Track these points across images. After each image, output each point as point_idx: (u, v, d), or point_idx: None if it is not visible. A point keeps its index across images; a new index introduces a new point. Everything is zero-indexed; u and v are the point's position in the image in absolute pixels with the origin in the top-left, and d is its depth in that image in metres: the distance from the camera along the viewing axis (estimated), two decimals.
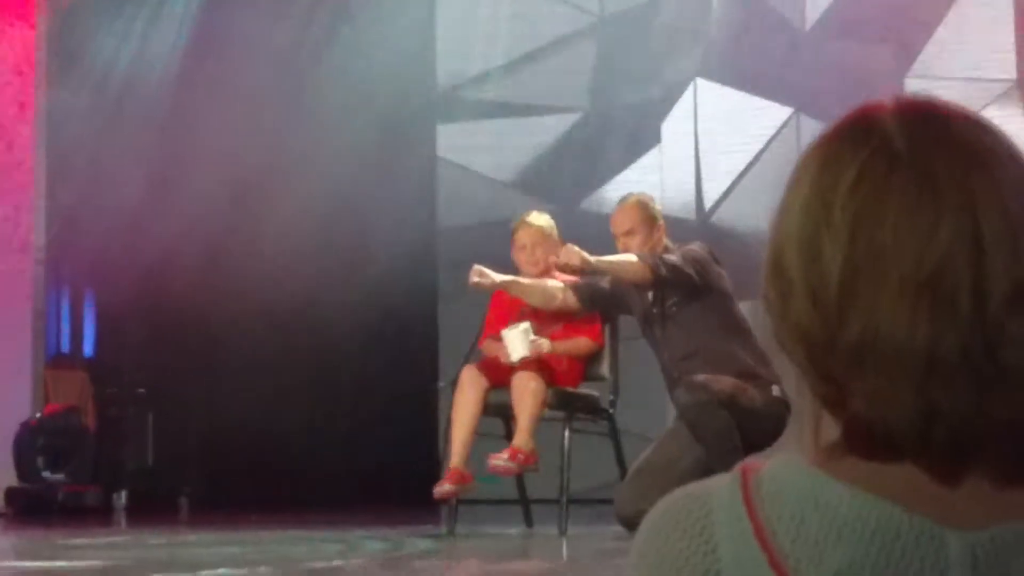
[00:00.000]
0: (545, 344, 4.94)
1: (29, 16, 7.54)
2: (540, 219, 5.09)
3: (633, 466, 4.72)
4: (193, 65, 7.52)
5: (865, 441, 0.74)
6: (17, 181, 7.48)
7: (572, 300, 4.88)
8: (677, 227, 5.35)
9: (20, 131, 7.49)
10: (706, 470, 4.13)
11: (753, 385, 4.53)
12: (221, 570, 3.72)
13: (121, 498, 7.22)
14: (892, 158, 0.75)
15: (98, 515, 6.86)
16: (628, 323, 5.20)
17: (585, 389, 5.15)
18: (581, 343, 5.09)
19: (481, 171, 7.48)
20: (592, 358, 5.14)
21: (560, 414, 4.99)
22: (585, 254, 4.56)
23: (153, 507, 7.03)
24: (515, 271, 5.06)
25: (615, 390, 5.16)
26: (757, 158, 7.05)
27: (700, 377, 4.45)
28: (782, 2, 7.16)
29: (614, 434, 5.13)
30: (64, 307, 7.76)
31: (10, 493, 7.04)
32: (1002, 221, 0.74)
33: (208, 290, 7.13)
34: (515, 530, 5.30)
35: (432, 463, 7.00)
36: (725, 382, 4.46)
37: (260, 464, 7.36)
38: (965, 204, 0.74)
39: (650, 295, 4.74)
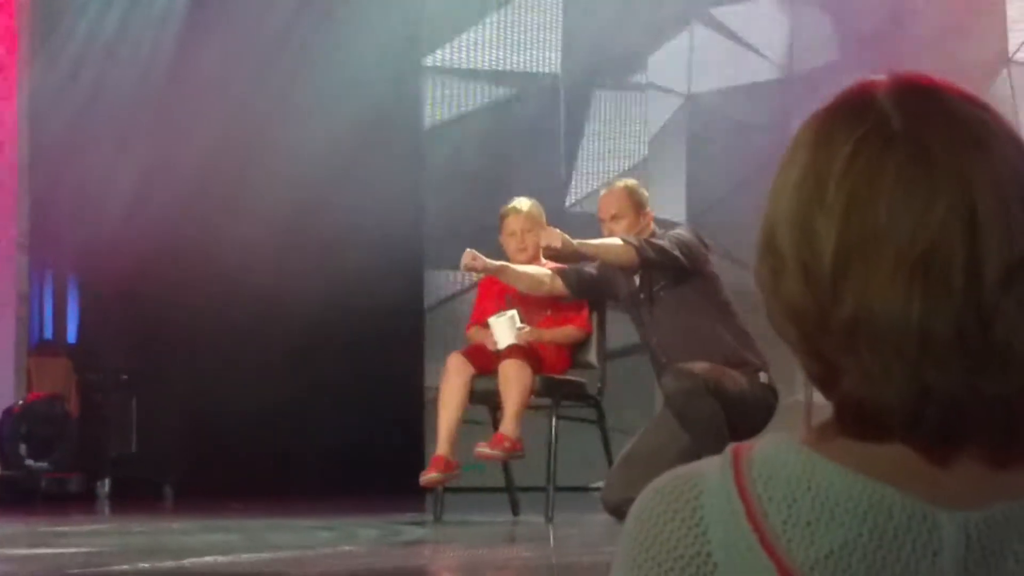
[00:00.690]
0: (532, 332, 4.95)
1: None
2: (529, 205, 5.10)
3: (620, 454, 4.73)
4: (179, 52, 7.49)
5: (857, 421, 0.74)
6: (1, 164, 7.44)
7: (560, 286, 4.89)
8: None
9: (2, 116, 7.45)
10: (694, 458, 4.11)
11: (741, 372, 4.54)
12: (206, 558, 3.71)
13: (105, 485, 7.20)
14: (887, 135, 0.75)
15: (81, 502, 6.84)
16: (616, 313, 5.21)
17: (572, 376, 5.15)
18: (568, 331, 5.10)
19: (467, 162, 7.48)
20: (579, 345, 5.15)
21: (547, 401, 5.00)
22: (566, 236, 4.57)
23: (137, 494, 7.02)
24: (503, 257, 5.06)
25: (602, 377, 5.16)
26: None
27: (688, 364, 4.45)
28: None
29: (601, 421, 5.13)
30: (47, 294, 7.73)
31: None
32: (997, 199, 0.73)
33: (192, 277, 7.11)
34: (502, 518, 5.30)
35: (418, 451, 7.01)
36: (713, 369, 4.46)
37: (244, 452, 7.35)
38: (960, 182, 0.73)
39: (637, 279, 4.74)
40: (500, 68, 7.51)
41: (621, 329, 5.28)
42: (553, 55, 7.44)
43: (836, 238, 0.74)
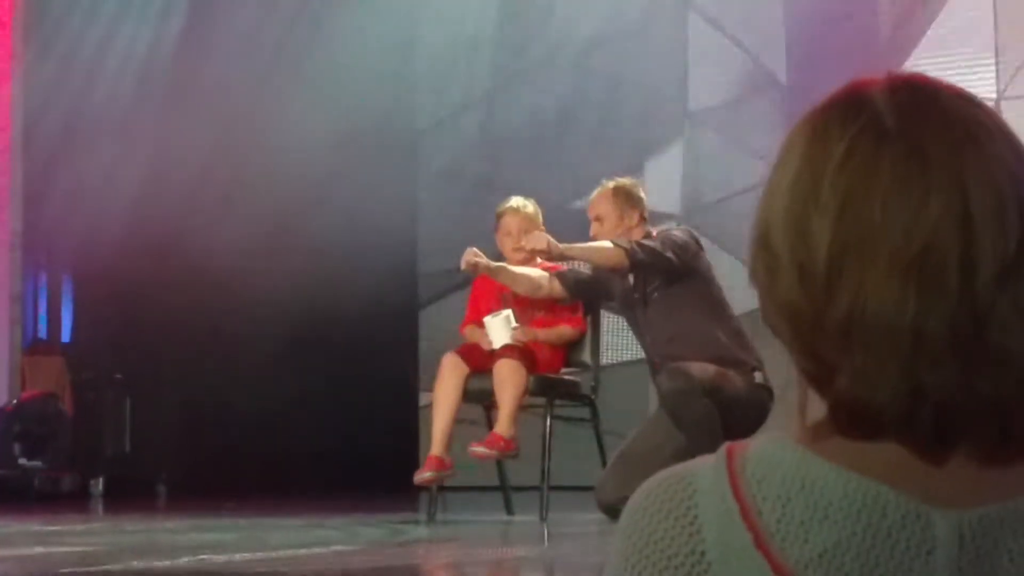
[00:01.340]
0: (527, 331, 4.94)
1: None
2: (526, 205, 5.10)
3: (615, 453, 4.73)
4: (175, 52, 7.48)
5: (851, 420, 0.74)
6: None
7: (558, 288, 4.89)
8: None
9: None
10: (689, 457, 4.11)
11: (735, 371, 4.54)
12: (200, 556, 3.70)
13: (98, 484, 7.20)
14: (882, 134, 0.75)
15: (75, 501, 6.84)
16: (611, 313, 5.21)
17: (566, 375, 5.16)
18: (563, 330, 5.10)
19: (462, 162, 7.48)
20: (573, 345, 5.15)
21: (541, 400, 5.00)
22: (552, 240, 4.57)
23: (131, 493, 7.01)
24: (498, 256, 5.06)
25: (596, 376, 5.16)
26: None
27: (682, 364, 4.45)
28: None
29: (595, 420, 5.13)
30: (41, 293, 7.72)
31: None
32: (992, 197, 0.73)
33: (187, 277, 7.10)
34: (496, 517, 5.30)
35: (412, 450, 7.01)
36: (707, 369, 4.46)
37: (238, 451, 7.35)
38: (955, 180, 0.73)
39: (631, 279, 4.74)
40: (497, 65, 7.50)
41: (615, 329, 5.29)
42: (552, 50, 7.45)
43: (830, 237, 0.74)
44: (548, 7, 7.42)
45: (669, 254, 4.55)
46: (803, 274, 0.75)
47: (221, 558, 3.69)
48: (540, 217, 5.09)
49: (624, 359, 6.38)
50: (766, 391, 4.60)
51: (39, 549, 4.17)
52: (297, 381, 7.36)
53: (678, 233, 4.70)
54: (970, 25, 6.80)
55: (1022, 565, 0.72)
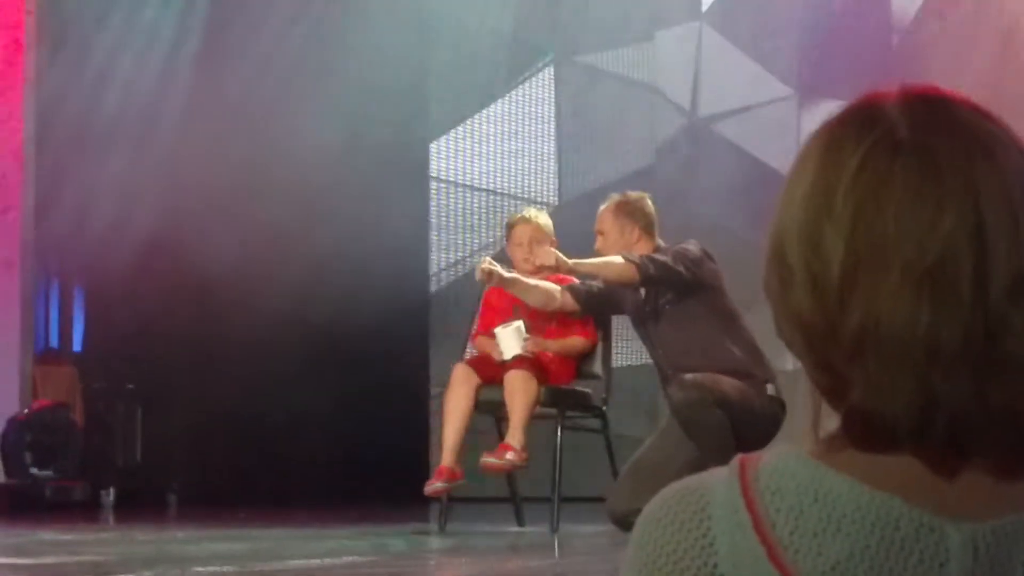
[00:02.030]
0: (539, 342, 4.94)
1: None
2: (539, 217, 5.11)
3: (626, 464, 4.72)
4: (187, 63, 7.50)
5: (864, 432, 0.74)
6: (6, 175, 7.45)
7: (570, 302, 4.89)
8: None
9: (9, 126, 7.47)
10: (700, 469, 4.10)
11: (748, 383, 4.52)
12: (211, 567, 3.70)
13: (109, 494, 7.20)
14: (895, 146, 0.75)
15: (86, 511, 6.84)
16: (621, 321, 5.20)
17: (577, 386, 5.15)
18: (574, 341, 5.09)
19: (472, 173, 7.49)
20: (584, 356, 5.14)
21: (552, 411, 4.99)
22: (561, 256, 4.58)
23: (141, 503, 7.01)
24: (507, 265, 5.05)
25: (607, 387, 5.15)
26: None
27: (694, 375, 4.45)
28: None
29: (606, 432, 5.12)
30: (53, 302, 7.74)
31: None
32: (1005, 210, 0.73)
33: (197, 287, 7.11)
34: (506, 528, 5.29)
35: (423, 460, 7.01)
36: (719, 380, 4.45)
37: (249, 461, 7.35)
38: (968, 193, 0.73)
39: (642, 292, 4.74)
40: (506, 76, 7.51)
41: (626, 340, 5.28)
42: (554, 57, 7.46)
43: (844, 249, 0.74)
44: (558, 16, 7.43)
45: (680, 268, 4.55)
46: (816, 286, 0.75)
47: (232, 568, 3.69)
48: (551, 229, 5.09)
49: (634, 362, 6.35)
50: (778, 403, 4.58)
51: (50, 559, 4.17)
52: (308, 392, 7.36)
53: (689, 247, 4.69)
54: None
55: None
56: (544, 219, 5.10)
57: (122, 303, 7.38)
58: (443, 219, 7.53)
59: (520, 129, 7.46)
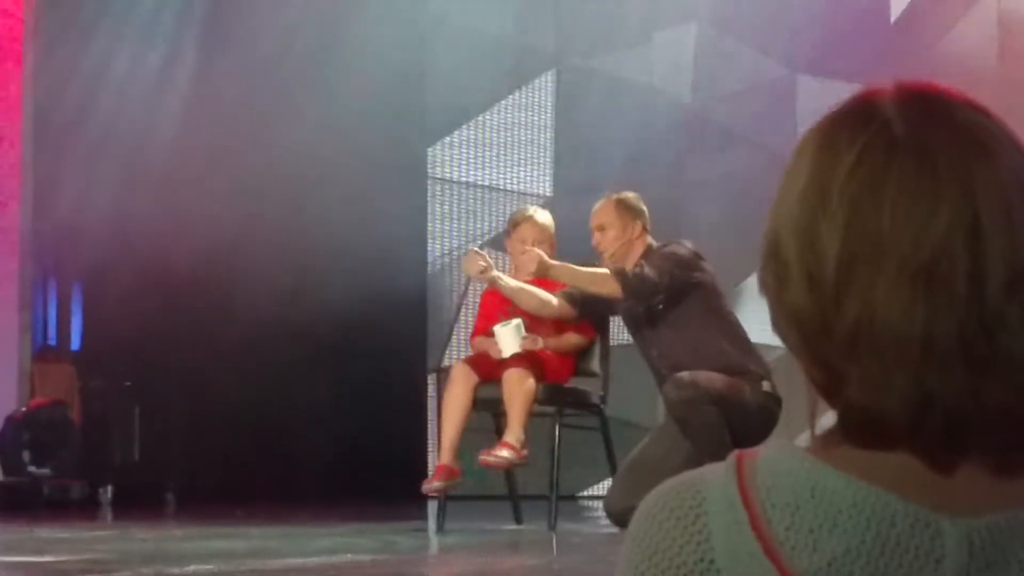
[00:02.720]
0: (537, 340, 4.94)
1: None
2: (543, 216, 5.10)
3: (624, 462, 4.72)
4: (187, 63, 7.50)
5: (860, 428, 0.74)
6: (4, 172, 7.45)
7: (567, 308, 4.88)
8: None
9: (7, 123, 7.46)
10: (697, 466, 4.09)
11: (742, 380, 4.53)
12: (209, 565, 3.71)
13: (107, 492, 7.20)
14: (891, 143, 0.75)
15: (84, 509, 6.84)
16: (618, 320, 5.20)
17: (576, 384, 5.15)
18: (572, 338, 5.09)
19: (469, 170, 7.49)
20: (582, 353, 5.14)
21: (550, 409, 4.99)
22: (545, 261, 4.59)
23: (139, 501, 7.01)
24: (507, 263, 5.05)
25: (605, 385, 5.16)
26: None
27: (688, 373, 4.45)
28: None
29: (604, 429, 5.13)
30: (51, 300, 7.74)
31: None
32: (1001, 207, 0.73)
33: (196, 284, 7.11)
34: (505, 526, 5.29)
35: (421, 458, 7.01)
36: (714, 378, 4.46)
37: (247, 459, 7.35)
38: (964, 189, 0.73)
39: None
40: (503, 76, 7.51)
41: (624, 337, 5.27)
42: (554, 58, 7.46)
43: (839, 245, 0.74)
44: (556, 18, 7.43)
45: (666, 280, 4.56)
46: (812, 282, 0.75)
47: (230, 566, 3.69)
48: (553, 230, 5.10)
49: (633, 363, 6.35)
50: (774, 399, 4.59)
51: (48, 556, 4.17)
52: (306, 390, 7.37)
53: (679, 248, 4.69)
54: None
55: None
56: (548, 219, 5.10)
57: (120, 301, 7.38)
58: (442, 218, 7.53)
59: (519, 123, 7.46)
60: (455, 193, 7.50)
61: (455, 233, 7.48)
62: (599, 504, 4.76)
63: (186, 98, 7.38)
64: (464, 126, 7.56)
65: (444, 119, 7.57)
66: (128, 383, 7.51)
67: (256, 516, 5.93)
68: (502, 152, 7.45)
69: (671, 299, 4.62)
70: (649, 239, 4.79)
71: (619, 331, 5.23)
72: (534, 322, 5.03)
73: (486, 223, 7.38)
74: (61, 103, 7.40)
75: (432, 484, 4.89)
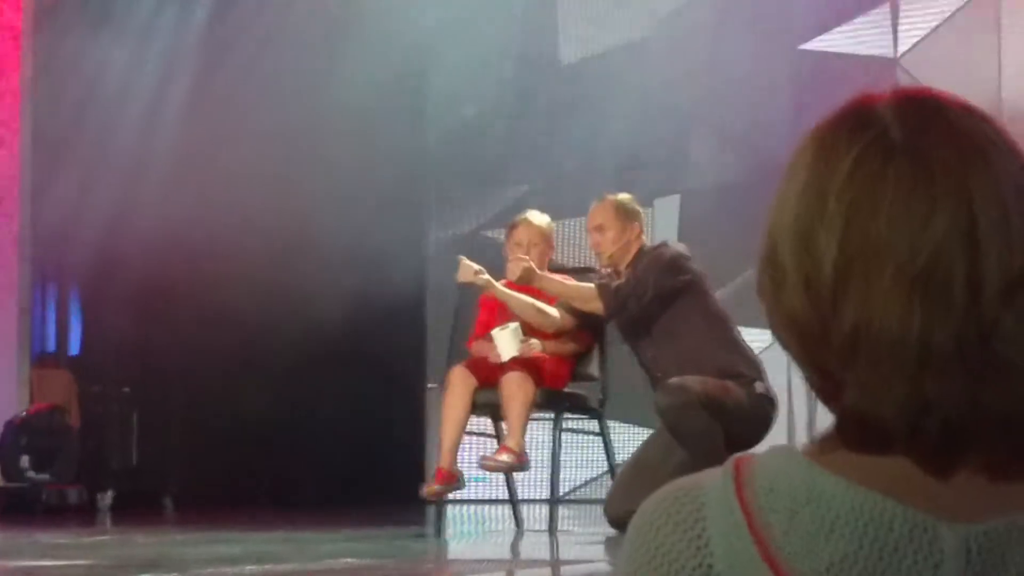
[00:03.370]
0: (535, 344, 4.94)
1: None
2: (541, 220, 5.10)
3: (623, 466, 4.72)
4: (187, 70, 7.50)
5: (858, 433, 0.74)
6: (2, 177, 7.45)
7: (567, 318, 4.89)
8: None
9: (6, 129, 7.46)
10: (695, 470, 4.09)
11: (735, 383, 4.52)
12: (208, 569, 3.70)
13: (106, 497, 7.19)
14: (888, 148, 0.75)
15: (82, 514, 6.83)
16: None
17: (574, 388, 5.15)
18: (570, 345, 5.09)
19: (472, 171, 7.48)
20: (581, 357, 5.14)
21: (549, 414, 4.99)
22: (534, 270, 4.61)
23: (138, 506, 7.01)
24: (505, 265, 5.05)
25: (604, 389, 5.15)
26: None
27: (678, 379, 4.45)
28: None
29: (603, 433, 5.12)
30: (50, 306, 7.73)
31: None
32: (998, 212, 0.73)
33: (194, 290, 7.11)
34: (504, 530, 5.29)
35: (420, 463, 7.00)
36: (704, 382, 4.45)
37: (245, 464, 7.35)
38: (961, 195, 0.73)
39: None
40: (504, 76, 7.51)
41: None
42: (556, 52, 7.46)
43: (836, 251, 0.74)
44: (559, 27, 7.44)
45: (650, 292, 4.57)
46: (809, 288, 0.75)
47: (230, 571, 3.69)
48: (553, 235, 5.10)
49: (632, 366, 6.34)
50: (768, 401, 4.59)
51: (46, 562, 4.17)
52: (304, 395, 7.36)
53: (665, 252, 4.69)
54: None
55: None
56: (546, 222, 5.10)
57: (119, 307, 7.38)
58: (442, 216, 7.52)
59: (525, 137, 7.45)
60: (457, 192, 7.49)
61: (458, 239, 7.46)
62: (598, 508, 4.75)
63: (186, 102, 7.38)
64: (471, 138, 7.54)
65: (448, 130, 7.56)
66: (127, 389, 7.51)
67: (254, 521, 5.92)
68: (501, 153, 7.44)
69: (658, 306, 4.62)
70: (644, 240, 4.81)
71: (618, 335, 5.22)
72: (532, 326, 5.02)
73: (492, 229, 7.38)
74: (60, 107, 7.40)
75: (432, 488, 4.89)
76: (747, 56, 6.97)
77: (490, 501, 5.87)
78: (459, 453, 4.92)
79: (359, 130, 7.06)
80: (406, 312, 7.36)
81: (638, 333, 4.75)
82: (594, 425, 5.17)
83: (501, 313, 5.08)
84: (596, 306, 4.63)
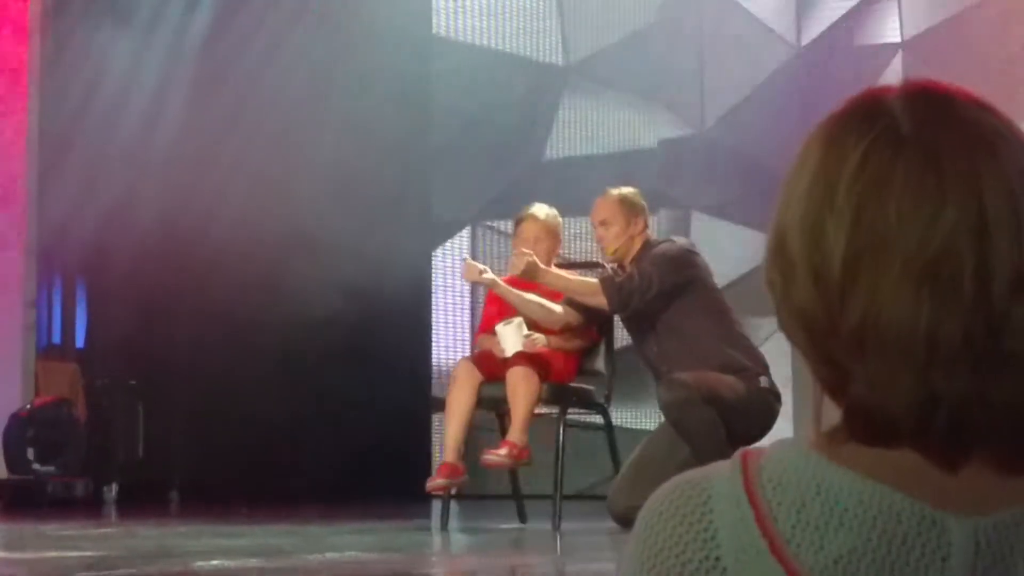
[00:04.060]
0: (540, 339, 4.94)
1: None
2: (547, 214, 5.08)
3: (627, 461, 4.72)
4: (192, 66, 7.50)
5: (866, 426, 0.74)
6: (8, 170, 7.46)
7: (573, 315, 4.88)
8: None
9: (12, 124, 7.47)
10: (699, 465, 4.09)
11: (739, 377, 4.52)
12: (213, 562, 3.71)
13: (112, 490, 7.21)
14: (897, 141, 0.75)
15: (88, 507, 6.85)
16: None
17: (580, 383, 5.15)
18: (576, 340, 5.08)
19: (475, 159, 7.48)
20: (587, 352, 5.14)
21: (554, 408, 4.99)
22: (538, 265, 4.61)
23: (143, 499, 7.02)
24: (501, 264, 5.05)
25: (610, 384, 5.15)
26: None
27: (679, 374, 4.45)
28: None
29: (608, 428, 5.12)
30: (56, 299, 7.75)
31: (0, 485, 7.03)
32: (1007, 205, 0.73)
33: (200, 283, 7.12)
34: (508, 525, 5.29)
35: (424, 457, 7.01)
36: (706, 377, 4.45)
37: (250, 457, 7.35)
38: (970, 187, 0.73)
39: None
40: (509, 71, 7.51)
41: (629, 336, 5.26)
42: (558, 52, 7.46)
43: (845, 243, 0.74)
44: (561, 24, 7.43)
45: (654, 288, 4.56)
46: (818, 280, 0.75)
47: (234, 563, 3.70)
48: (560, 230, 5.09)
49: (638, 361, 6.34)
50: (772, 395, 4.58)
51: (52, 553, 4.18)
52: (310, 388, 7.37)
53: (670, 248, 4.69)
54: None
55: None
56: (553, 218, 5.09)
57: (124, 299, 7.39)
58: (446, 211, 7.52)
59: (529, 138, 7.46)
60: (461, 190, 7.49)
61: (461, 237, 7.46)
62: (603, 503, 4.75)
63: (190, 99, 7.38)
64: (473, 137, 7.54)
65: (450, 129, 7.55)
66: (132, 381, 7.52)
67: (260, 514, 5.93)
68: (513, 162, 7.44)
69: (662, 301, 4.62)
70: (648, 234, 4.81)
71: (624, 330, 5.22)
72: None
73: (495, 227, 7.37)
74: (66, 103, 7.41)
75: (436, 482, 4.89)
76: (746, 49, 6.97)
77: (495, 496, 5.86)
78: (463, 447, 4.92)
79: (362, 125, 7.06)
80: (412, 306, 7.36)
81: (642, 328, 4.74)
82: (600, 420, 5.16)
83: (508, 308, 5.08)
84: (600, 301, 4.62)
